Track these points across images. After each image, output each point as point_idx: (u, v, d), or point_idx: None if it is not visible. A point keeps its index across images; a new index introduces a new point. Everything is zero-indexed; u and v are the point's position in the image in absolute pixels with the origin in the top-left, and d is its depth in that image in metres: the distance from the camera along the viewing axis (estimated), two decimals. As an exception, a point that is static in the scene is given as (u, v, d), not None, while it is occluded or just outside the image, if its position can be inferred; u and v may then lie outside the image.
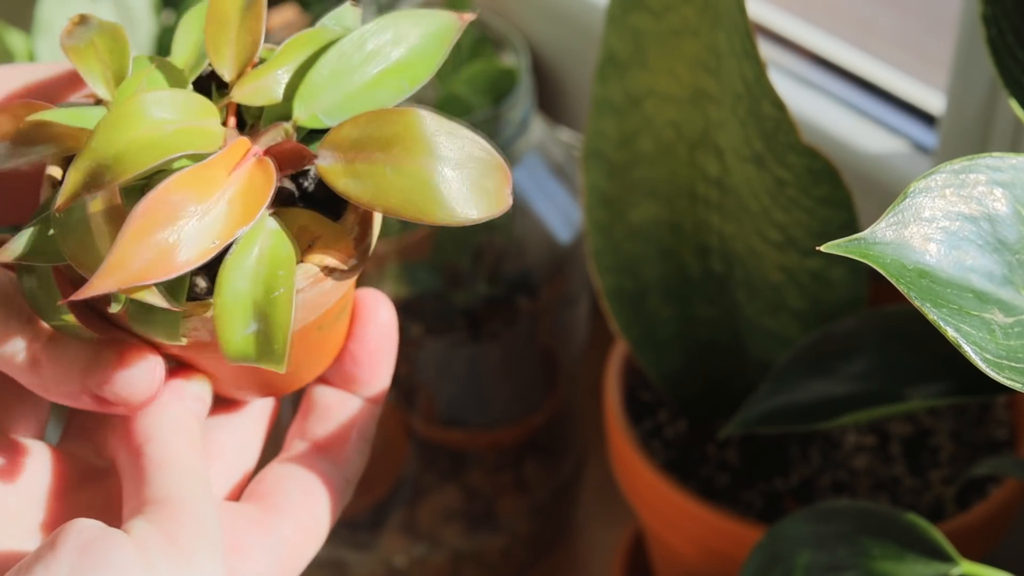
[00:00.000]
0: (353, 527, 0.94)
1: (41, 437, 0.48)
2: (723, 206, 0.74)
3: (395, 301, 0.87)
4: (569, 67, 0.99)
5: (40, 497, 0.45)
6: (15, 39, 0.86)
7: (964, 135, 0.79)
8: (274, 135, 0.41)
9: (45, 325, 0.43)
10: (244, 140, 0.41)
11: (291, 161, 0.41)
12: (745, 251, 0.74)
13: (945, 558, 0.61)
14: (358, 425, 0.48)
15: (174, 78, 0.43)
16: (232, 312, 0.40)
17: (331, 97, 0.42)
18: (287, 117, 0.42)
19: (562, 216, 0.90)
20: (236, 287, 0.40)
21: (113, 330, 0.43)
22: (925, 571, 0.61)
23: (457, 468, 0.95)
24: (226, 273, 0.40)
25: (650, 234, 0.77)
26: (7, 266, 0.43)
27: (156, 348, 0.43)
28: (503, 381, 0.94)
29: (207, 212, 0.39)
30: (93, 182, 0.39)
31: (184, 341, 0.42)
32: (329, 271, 0.42)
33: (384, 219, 0.45)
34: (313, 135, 0.43)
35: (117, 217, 0.40)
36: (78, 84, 0.46)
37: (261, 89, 0.42)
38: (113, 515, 0.45)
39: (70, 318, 0.42)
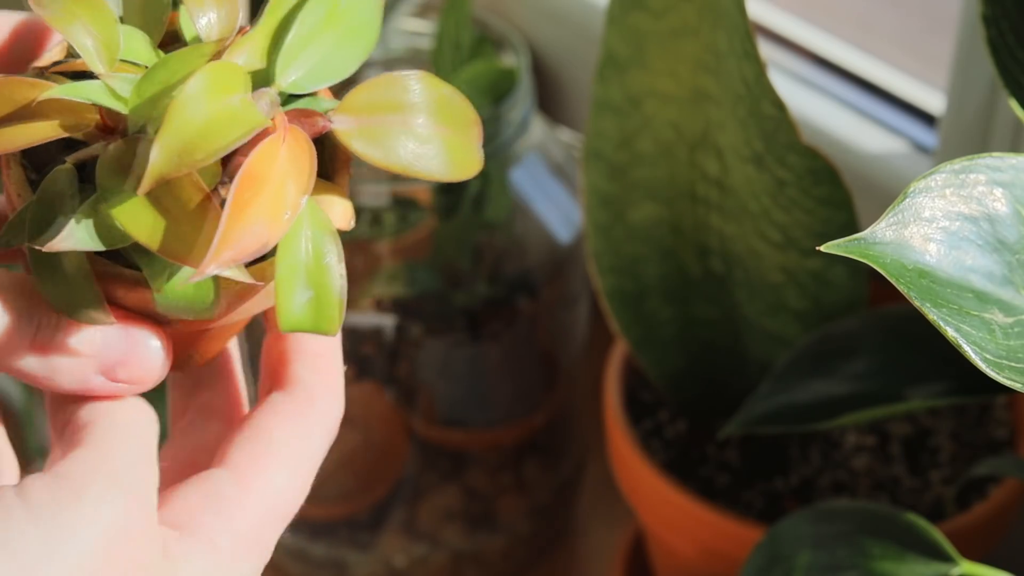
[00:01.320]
0: (353, 527, 0.94)
1: None
2: (723, 206, 0.73)
3: (395, 301, 0.88)
4: (569, 67, 0.99)
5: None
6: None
7: (964, 135, 0.79)
8: (263, 103, 0.42)
9: (47, 312, 0.42)
10: (281, 113, 0.42)
11: (310, 129, 0.42)
12: (745, 252, 0.74)
13: (945, 558, 0.61)
14: (326, 352, 0.47)
15: (152, 46, 0.43)
16: (290, 282, 0.41)
17: (306, 63, 0.43)
18: (266, 82, 0.43)
19: (562, 216, 0.89)
20: (294, 257, 0.41)
21: (119, 314, 0.43)
22: (925, 571, 0.61)
23: (457, 468, 0.95)
24: (285, 244, 0.41)
25: (650, 235, 0.77)
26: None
27: (158, 328, 0.44)
28: (503, 381, 0.94)
29: (278, 186, 0.40)
30: (182, 162, 0.38)
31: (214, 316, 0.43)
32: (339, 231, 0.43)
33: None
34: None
35: (187, 197, 0.40)
36: (34, 44, 0.46)
37: (250, 58, 0.43)
38: None
39: (103, 310, 0.41)
